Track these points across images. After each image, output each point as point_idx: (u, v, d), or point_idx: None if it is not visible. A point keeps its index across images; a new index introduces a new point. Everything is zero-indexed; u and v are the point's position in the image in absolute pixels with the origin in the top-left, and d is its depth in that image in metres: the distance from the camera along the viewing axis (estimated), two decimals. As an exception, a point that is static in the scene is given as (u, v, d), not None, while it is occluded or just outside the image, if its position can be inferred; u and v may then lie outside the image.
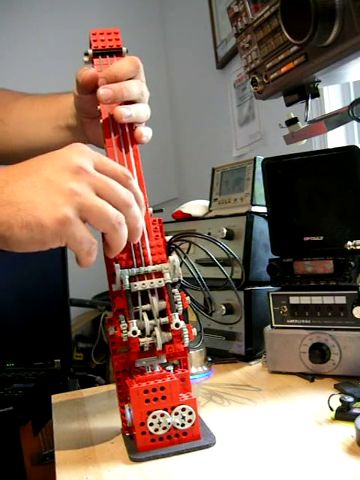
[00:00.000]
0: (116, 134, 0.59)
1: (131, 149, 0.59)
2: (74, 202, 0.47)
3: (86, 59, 0.62)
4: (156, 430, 0.53)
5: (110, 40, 0.62)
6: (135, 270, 0.55)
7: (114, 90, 0.58)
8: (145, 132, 0.60)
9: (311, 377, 0.72)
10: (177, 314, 0.55)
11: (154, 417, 0.53)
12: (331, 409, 0.58)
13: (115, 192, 0.50)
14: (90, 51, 0.62)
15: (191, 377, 0.59)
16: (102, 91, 0.58)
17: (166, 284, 0.56)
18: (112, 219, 0.50)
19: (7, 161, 0.76)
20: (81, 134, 0.72)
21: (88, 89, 0.63)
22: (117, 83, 0.59)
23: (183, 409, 0.54)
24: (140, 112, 0.60)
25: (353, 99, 0.71)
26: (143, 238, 0.57)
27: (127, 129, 0.60)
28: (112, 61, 0.61)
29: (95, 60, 0.62)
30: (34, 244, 0.47)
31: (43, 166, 0.49)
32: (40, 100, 0.76)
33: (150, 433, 0.53)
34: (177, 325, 0.55)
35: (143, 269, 0.56)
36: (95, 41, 0.61)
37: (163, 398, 0.53)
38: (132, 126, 0.60)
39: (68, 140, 0.72)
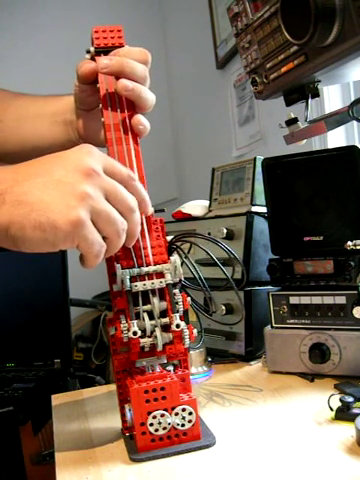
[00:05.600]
0: (117, 131, 0.59)
1: (133, 148, 0.59)
2: (87, 205, 0.47)
3: (88, 57, 0.62)
4: (156, 430, 0.53)
5: (112, 38, 0.61)
6: (136, 270, 0.55)
7: (116, 60, 0.58)
8: (143, 120, 0.59)
9: (311, 377, 0.72)
10: (178, 315, 0.55)
11: (154, 417, 0.53)
12: (331, 409, 0.58)
13: (122, 197, 0.51)
14: (92, 49, 0.61)
15: (191, 377, 0.59)
16: (105, 61, 0.58)
17: (167, 285, 0.56)
18: (118, 225, 0.50)
19: (2, 159, 0.76)
20: (75, 129, 0.71)
21: (87, 81, 0.63)
22: (120, 57, 0.58)
23: (183, 409, 0.54)
24: (142, 92, 0.59)
25: (353, 99, 0.71)
26: (144, 238, 0.57)
27: (129, 126, 0.59)
28: None
29: (97, 58, 0.61)
30: (45, 245, 0.47)
31: (55, 166, 0.49)
32: (41, 98, 0.76)
33: (150, 433, 0.53)
34: (178, 326, 0.55)
35: (144, 269, 0.56)
36: (97, 38, 0.61)
37: (163, 398, 0.53)
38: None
39: (62, 136, 0.72)
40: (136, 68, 0.59)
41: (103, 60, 0.58)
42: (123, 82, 0.58)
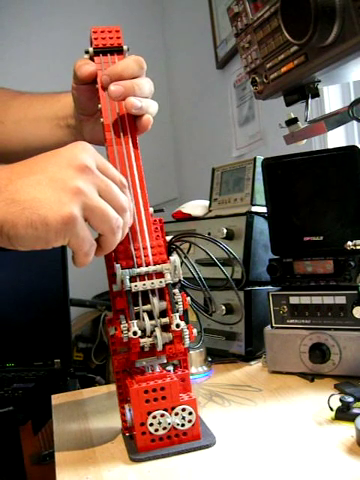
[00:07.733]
0: (117, 132, 0.59)
1: (132, 148, 0.59)
2: (79, 201, 0.47)
3: (87, 57, 0.62)
4: (156, 430, 0.53)
5: (111, 38, 0.61)
6: (136, 270, 0.55)
7: (126, 87, 0.58)
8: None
9: (311, 377, 0.72)
10: (178, 315, 0.55)
11: (154, 417, 0.53)
12: (331, 409, 0.58)
13: (115, 195, 0.50)
14: (91, 49, 0.61)
15: (191, 377, 0.59)
16: (113, 88, 0.57)
17: (167, 284, 0.56)
18: (112, 222, 0.50)
19: (5, 161, 0.76)
20: (79, 133, 0.72)
21: (86, 82, 0.63)
22: (128, 80, 0.58)
23: (183, 409, 0.54)
24: (150, 107, 0.60)
25: (353, 99, 0.71)
26: (144, 238, 0.57)
27: (128, 127, 0.59)
28: (113, 59, 0.61)
29: (96, 58, 0.61)
30: (38, 243, 0.47)
31: (48, 164, 0.49)
32: (39, 99, 0.75)
33: (150, 433, 0.53)
34: (178, 326, 0.55)
35: (144, 269, 0.55)
36: (96, 39, 0.61)
37: (163, 398, 0.53)
38: (133, 123, 0.60)
39: (66, 139, 0.72)
40: (144, 87, 0.59)
41: (112, 87, 0.57)
42: (132, 100, 0.58)
